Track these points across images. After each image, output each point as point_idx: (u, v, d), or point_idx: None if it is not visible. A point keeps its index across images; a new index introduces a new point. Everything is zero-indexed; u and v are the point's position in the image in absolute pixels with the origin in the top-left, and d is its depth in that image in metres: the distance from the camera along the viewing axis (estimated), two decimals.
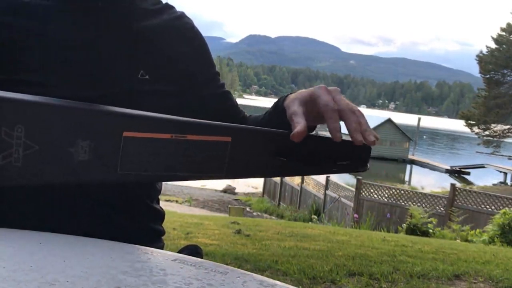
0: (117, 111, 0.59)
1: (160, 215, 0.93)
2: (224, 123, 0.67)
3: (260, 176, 0.76)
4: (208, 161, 0.66)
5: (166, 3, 0.92)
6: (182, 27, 0.91)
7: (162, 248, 0.90)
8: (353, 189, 14.08)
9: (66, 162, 0.56)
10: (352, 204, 13.76)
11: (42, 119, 0.54)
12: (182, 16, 0.92)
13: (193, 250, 0.85)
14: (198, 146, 0.64)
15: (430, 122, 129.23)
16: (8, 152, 0.53)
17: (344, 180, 17.63)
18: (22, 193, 0.75)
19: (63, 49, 0.78)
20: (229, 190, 19.38)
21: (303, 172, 0.78)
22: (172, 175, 0.66)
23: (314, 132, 0.80)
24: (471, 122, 34.98)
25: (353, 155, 0.76)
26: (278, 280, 0.59)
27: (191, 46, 0.90)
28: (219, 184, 19.79)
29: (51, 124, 0.55)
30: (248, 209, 15.91)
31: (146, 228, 0.88)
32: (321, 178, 15.65)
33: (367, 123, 0.66)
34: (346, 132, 0.69)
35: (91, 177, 0.59)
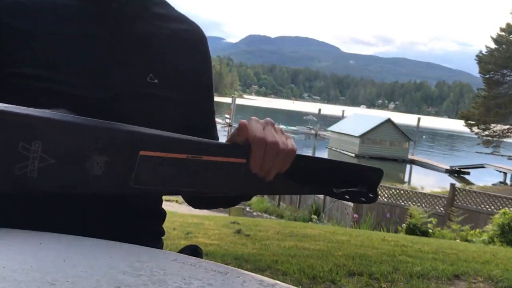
0: (135, 130, 0.60)
1: (162, 216, 0.93)
2: (240, 145, 0.68)
3: (269, 194, 0.80)
4: (222, 180, 0.68)
5: (180, 13, 0.92)
6: (196, 40, 0.91)
7: (161, 249, 0.90)
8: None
9: (81, 175, 0.58)
10: (352, 204, 13.75)
11: (60, 136, 0.56)
12: (196, 29, 0.92)
13: (193, 250, 0.85)
14: (213, 166, 0.66)
15: (429, 122, 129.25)
16: (24, 164, 0.55)
17: None
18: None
19: (75, 46, 0.78)
20: None
21: (309, 192, 0.80)
22: (184, 191, 0.69)
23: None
24: (471, 122, 34.97)
25: (361, 180, 0.77)
26: (278, 280, 0.59)
27: (201, 60, 0.91)
28: None
29: (68, 140, 0.57)
30: (248, 209, 15.90)
31: (147, 229, 0.88)
32: None
33: (284, 162, 0.68)
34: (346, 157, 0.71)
35: (103, 190, 0.61)
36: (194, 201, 0.94)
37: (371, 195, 0.78)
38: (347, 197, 0.77)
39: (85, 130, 0.57)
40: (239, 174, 0.68)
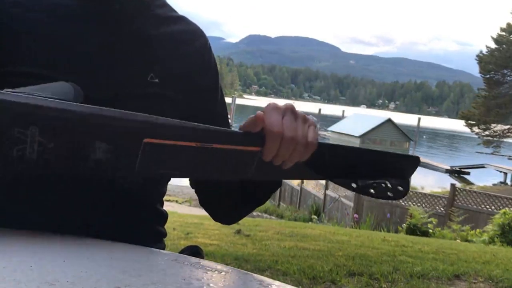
0: (138, 118, 0.58)
1: (163, 217, 0.93)
2: (253, 132, 0.64)
3: (285, 178, 0.74)
4: (234, 167, 0.65)
5: (181, 15, 0.92)
6: (196, 41, 0.91)
7: (163, 250, 0.90)
8: None
9: (81, 159, 0.57)
10: (352, 204, 13.75)
11: (58, 123, 0.54)
12: (197, 30, 0.93)
13: (193, 251, 0.85)
14: (225, 154, 0.63)
15: (430, 122, 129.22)
16: (23, 146, 0.54)
17: None
18: (26, 190, 0.75)
19: (75, 46, 0.78)
20: None
21: (331, 180, 0.75)
22: (192, 176, 0.66)
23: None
24: (471, 122, 34.95)
25: (392, 171, 0.71)
26: (278, 280, 0.59)
27: (202, 61, 0.91)
28: None
29: (67, 127, 0.55)
30: None
31: (148, 230, 0.88)
32: None
33: (301, 155, 0.65)
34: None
35: (105, 174, 0.59)
36: (223, 215, 0.94)
37: (401, 189, 0.71)
38: (372, 191, 0.71)
39: (85, 117, 0.55)
40: (253, 161, 0.65)
